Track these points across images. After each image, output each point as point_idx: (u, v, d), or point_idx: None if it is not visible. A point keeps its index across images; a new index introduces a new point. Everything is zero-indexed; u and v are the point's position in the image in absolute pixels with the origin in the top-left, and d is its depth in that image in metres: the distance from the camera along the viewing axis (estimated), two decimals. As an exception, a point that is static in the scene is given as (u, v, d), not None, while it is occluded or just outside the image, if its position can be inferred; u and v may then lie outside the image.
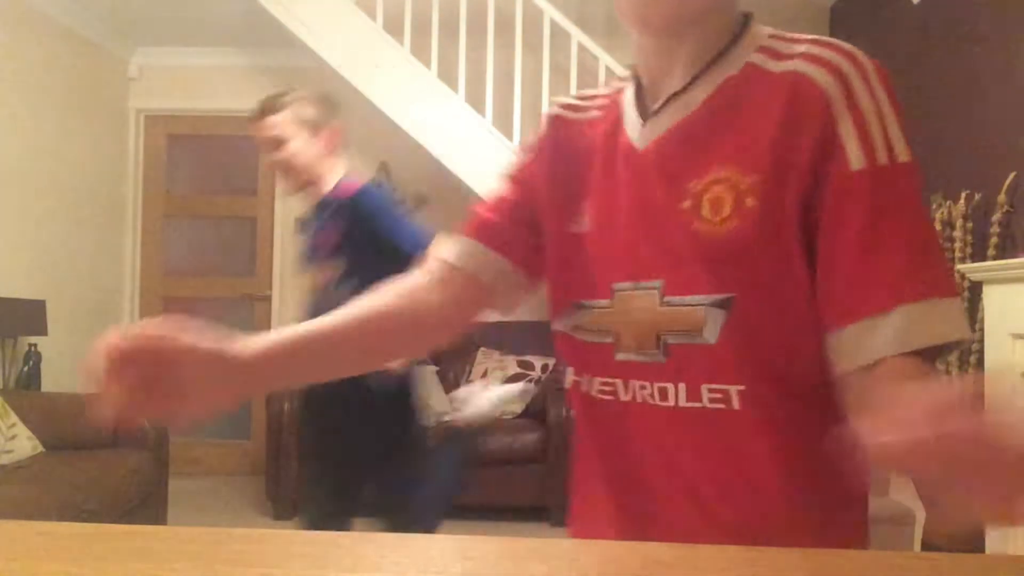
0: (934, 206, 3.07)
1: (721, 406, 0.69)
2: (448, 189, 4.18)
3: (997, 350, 2.27)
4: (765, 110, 0.69)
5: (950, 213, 2.96)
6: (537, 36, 3.85)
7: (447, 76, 3.81)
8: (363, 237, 1.74)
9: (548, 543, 0.62)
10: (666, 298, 0.71)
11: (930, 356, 0.63)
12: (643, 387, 0.73)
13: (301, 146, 1.78)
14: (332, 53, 3.77)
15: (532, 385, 3.85)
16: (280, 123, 1.78)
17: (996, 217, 2.79)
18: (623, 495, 0.78)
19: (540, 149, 0.90)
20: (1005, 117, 2.83)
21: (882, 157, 0.66)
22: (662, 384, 0.72)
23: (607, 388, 0.77)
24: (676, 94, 0.74)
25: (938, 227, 2.99)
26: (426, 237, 1.65)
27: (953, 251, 2.94)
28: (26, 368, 3.70)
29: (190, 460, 4.61)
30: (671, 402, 0.71)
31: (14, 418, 2.96)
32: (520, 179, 0.89)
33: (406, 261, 1.06)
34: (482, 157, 3.80)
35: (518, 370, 4.16)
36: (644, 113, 0.76)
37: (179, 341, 0.65)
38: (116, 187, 4.75)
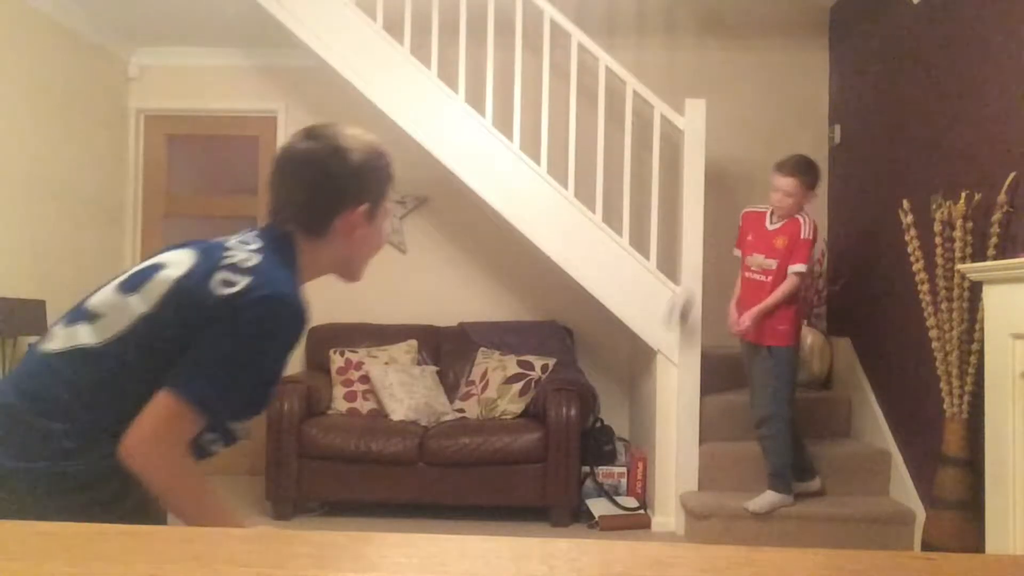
0: (934, 206, 3.07)
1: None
2: (448, 189, 4.18)
3: (997, 350, 2.27)
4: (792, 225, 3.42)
5: (950, 213, 2.96)
6: (537, 36, 3.85)
7: (447, 76, 3.81)
8: None
9: (548, 543, 0.62)
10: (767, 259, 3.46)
11: None
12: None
13: None
14: (332, 53, 3.77)
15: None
16: None
17: (996, 217, 2.79)
18: None
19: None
20: (1005, 117, 2.83)
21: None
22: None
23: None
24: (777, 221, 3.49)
25: (938, 227, 2.99)
26: None
27: (953, 251, 2.94)
28: (26, 368, 3.70)
29: (190, 460, 4.61)
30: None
31: (14, 418, 2.96)
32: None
33: None
34: (482, 157, 3.80)
35: (518, 370, 4.16)
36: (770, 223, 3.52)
37: None
38: (116, 187, 4.75)
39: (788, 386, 3.41)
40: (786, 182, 3.38)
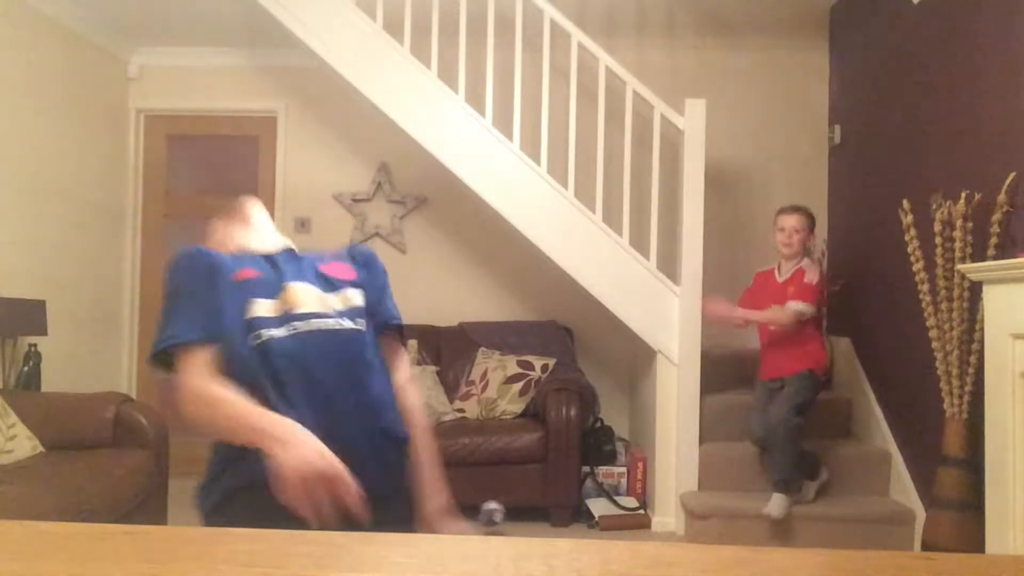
0: (934, 206, 3.07)
1: None
2: (448, 189, 4.18)
3: (997, 350, 2.27)
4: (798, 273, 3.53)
5: (950, 213, 2.96)
6: (537, 36, 3.85)
7: (447, 76, 3.81)
8: None
9: (548, 543, 0.62)
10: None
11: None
12: None
13: None
14: (332, 53, 3.77)
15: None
16: None
17: (996, 217, 2.79)
18: None
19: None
20: (1005, 117, 2.83)
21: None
22: None
23: None
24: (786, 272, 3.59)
25: (938, 227, 2.99)
26: None
27: (953, 251, 2.94)
28: (26, 368, 3.70)
29: (190, 460, 4.60)
30: None
31: (14, 418, 2.96)
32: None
33: None
34: (482, 157, 3.80)
35: (518, 370, 4.16)
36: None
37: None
38: (116, 187, 4.75)
39: (806, 400, 3.42)
40: (792, 218, 3.55)
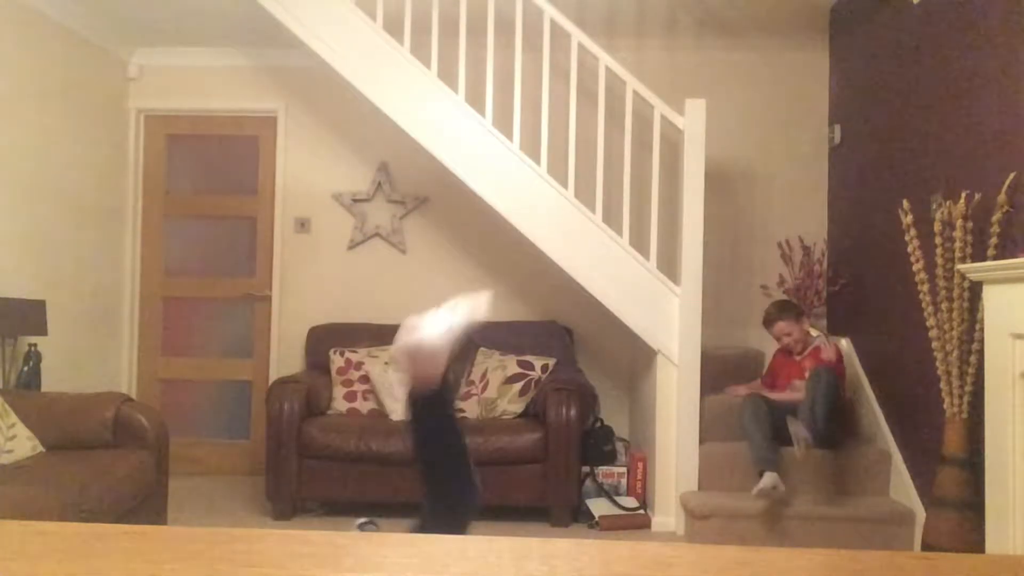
0: (934, 206, 3.07)
1: None
2: (448, 189, 4.18)
3: (997, 350, 2.27)
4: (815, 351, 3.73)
5: (950, 213, 2.96)
6: (537, 36, 3.86)
7: (447, 76, 3.81)
8: None
9: (548, 543, 0.62)
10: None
11: None
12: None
13: None
14: (332, 53, 3.77)
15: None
16: None
17: (996, 217, 2.79)
18: None
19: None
20: (1005, 117, 2.83)
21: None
22: None
23: None
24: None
25: (938, 227, 2.99)
26: None
27: (953, 251, 2.94)
28: (26, 368, 3.70)
29: (190, 460, 4.61)
30: None
31: (14, 418, 2.96)
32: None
33: None
34: (482, 157, 3.80)
35: (518, 370, 4.16)
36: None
37: None
38: (116, 187, 4.75)
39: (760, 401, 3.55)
40: (778, 327, 3.76)
